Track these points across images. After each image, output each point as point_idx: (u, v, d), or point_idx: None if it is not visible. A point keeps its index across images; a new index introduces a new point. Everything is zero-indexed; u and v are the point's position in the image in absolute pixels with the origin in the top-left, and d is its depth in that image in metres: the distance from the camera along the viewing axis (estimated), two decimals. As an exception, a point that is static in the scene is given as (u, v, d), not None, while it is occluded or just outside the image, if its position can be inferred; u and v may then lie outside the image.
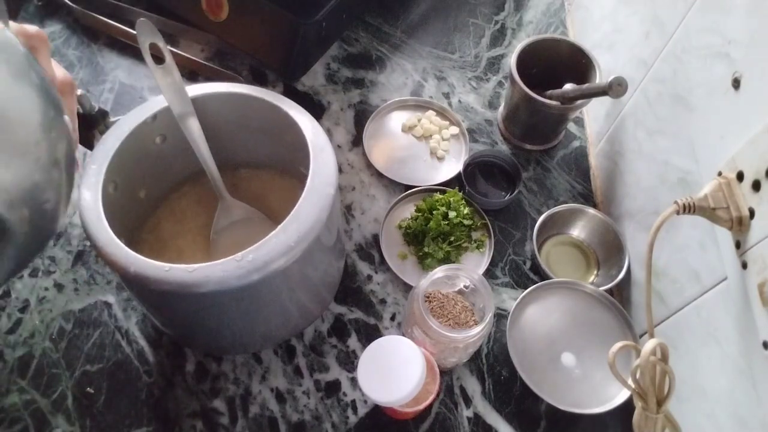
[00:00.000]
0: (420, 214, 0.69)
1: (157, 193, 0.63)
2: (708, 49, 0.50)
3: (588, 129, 0.80)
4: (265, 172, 0.67)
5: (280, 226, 0.48)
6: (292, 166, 0.63)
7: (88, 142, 0.56)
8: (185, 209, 0.64)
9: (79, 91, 0.53)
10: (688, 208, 0.44)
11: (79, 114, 0.54)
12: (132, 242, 0.59)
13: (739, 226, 0.41)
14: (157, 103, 0.56)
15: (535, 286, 0.63)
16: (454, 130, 0.78)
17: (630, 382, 0.46)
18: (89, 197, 0.49)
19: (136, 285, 0.48)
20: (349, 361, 0.62)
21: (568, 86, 0.69)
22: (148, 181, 0.61)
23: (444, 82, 0.83)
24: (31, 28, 0.46)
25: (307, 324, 0.63)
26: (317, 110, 0.79)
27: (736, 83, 0.45)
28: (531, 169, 0.76)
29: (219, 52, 0.83)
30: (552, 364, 0.60)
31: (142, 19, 0.52)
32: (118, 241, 0.47)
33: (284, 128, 0.56)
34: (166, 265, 0.45)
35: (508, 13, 0.91)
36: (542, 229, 0.68)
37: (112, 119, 0.56)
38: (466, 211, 0.69)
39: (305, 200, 0.49)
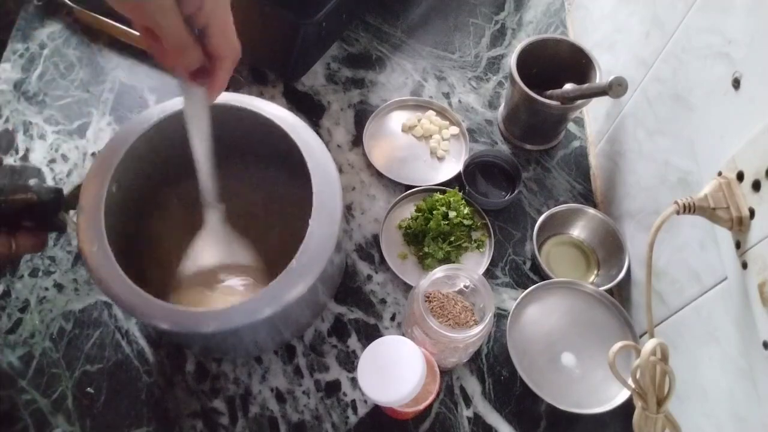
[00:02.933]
0: (420, 214, 0.69)
1: (153, 199, 0.63)
2: (708, 49, 0.50)
3: (588, 129, 0.80)
4: (262, 167, 0.66)
5: (294, 260, 0.48)
6: (292, 163, 0.62)
7: (54, 226, 0.51)
8: (183, 213, 0.63)
9: (31, 182, 0.49)
10: (688, 208, 0.44)
11: (34, 203, 0.48)
12: (132, 254, 0.57)
13: (739, 226, 0.41)
14: (151, 114, 0.55)
15: (535, 286, 0.63)
16: (454, 130, 0.78)
17: (630, 382, 0.46)
18: (91, 215, 0.49)
19: (147, 324, 0.48)
20: (349, 361, 0.62)
21: (568, 86, 0.69)
22: (145, 182, 0.60)
23: (444, 82, 0.83)
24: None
25: (306, 326, 0.63)
26: (317, 110, 0.79)
27: (736, 83, 0.45)
28: (531, 169, 0.76)
29: (219, 52, 0.83)
30: (552, 364, 0.60)
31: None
32: (131, 282, 0.47)
33: (279, 138, 0.56)
34: (181, 308, 0.46)
35: (508, 13, 0.91)
36: (542, 229, 0.68)
37: (69, 190, 0.52)
38: (466, 211, 0.69)
39: (314, 227, 0.50)
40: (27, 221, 0.49)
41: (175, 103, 0.56)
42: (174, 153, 0.59)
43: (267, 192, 0.65)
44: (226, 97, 0.57)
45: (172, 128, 0.55)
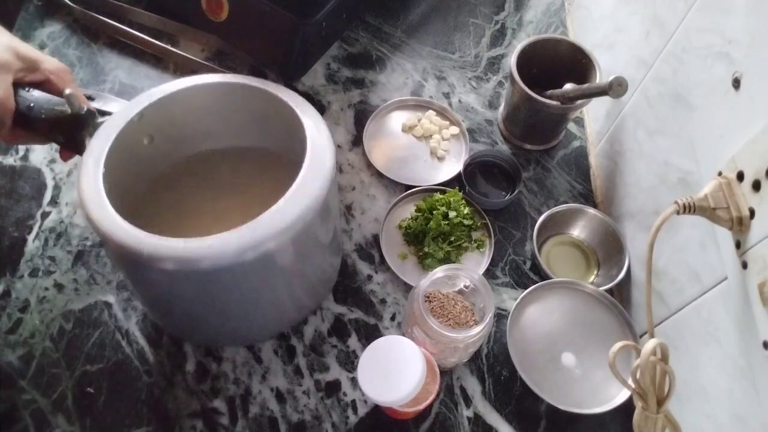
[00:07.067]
0: (420, 214, 0.69)
1: (149, 188, 0.62)
2: (708, 49, 0.50)
3: (588, 129, 0.80)
4: (258, 157, 0.66)
5: (281, 200, 0.48)
6: (288, 153, 0.62)
7: (77, 145, 0.55)
8: (178, 201, 0.63)
9: (67, 90, 0.53)
10: (688, 208, 0.44)
11: (66, 116, 0.54)
12: (134, 214, 0.58)
13: (739, 226, 0.41)
14: (142, 100, 0.56)
15: (535, 286, 0.63)
16: (454, 130, 0.78)
17: (630, 382, 0.46)
18: (89, 184, 0.49)
19: (144, 267, 0.48)
20: (349, 361, 0.62)
21: (568, 86, 0.69)
22: (139, 178, 0.60)
23: (444, 82, 0.83)
24: (54, 64, 0.57)
25: (301, 317, 0.63)
26: (317, 110, 0.79)
27: (736, 83, 0.45)
28: (531, 169, 0.76)
29: (219, 52, 0.83)
30: (552, 364, 0.60)
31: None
32: (129, 225, 0.47)
33: (277, 112, 0.56)
34: (177, 240, 0.46)
35: (508, 13, 0.91)
36: (542, 229, 0.68)
37: (100, 119, 0.55)
38: (466, 211, 0.69)
39: (305, 176, 0.50)
40: (59, 135, 0.55)
41: (172, 85, 0.57)
42: (185, 124, 0.60)
43: (262, 173, 0.65)
44: (220, 78, 0.58)
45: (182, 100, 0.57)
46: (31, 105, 0.54)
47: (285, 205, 0.48)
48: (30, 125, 0.55)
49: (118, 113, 0.55)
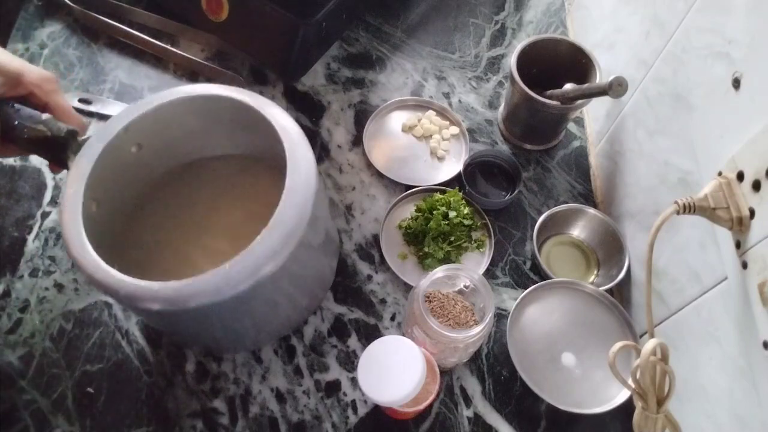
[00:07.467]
0: (420, 214, 0.69)
1: (138, 202, 0.61)
2: (708, 49, 0.50)
3: (588, 129, 0.80)
4: (243, 166, 0.65)
5: (264, 230, 0.47)
6: (272, 158, 0.60)
7: (62, 163, 0.54)
8: (167, 216, 0.63)
9: (43, 116, 0.52)
10: (688, 208, 0.44)
11: (47, 138, 0.53)
12: (118, 259, 0.55)
13: (739, 226, 0.41)
14: (128, 113, 0.55)
15: (535, 286, 0.63)
16: (454, 130, 0.78)
17: (630, 382, 0.46)
18: (70, 222, 0.48)
19: (128, 306, 0.48)
20: (349, 361, 0.62)
21: (568, 86, 0.69)
22: (127, 193, 0.59)
23: (444, 82, 0.83)
24: (36, 75, 0.54)
25: (301, 319, 0.63)
26: (317, 110, 0.79)
27: (736, 83, 0.45)
28: (531, 169, 0.76)
29: (219, 52, 0.83)
30: (552, 364, 0.60)
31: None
32: (105, 265, 0.46)
33: (257, 124, 0.55)
34: (155, 284, 0.45)
35: (508, 13, 0.91)
36: (542, 229, 0.68)
37: (82, 137, 0.54)
38: (466, 211, 0.69)
39: (286, 201, 0.48)
40: (44, 154, 0.55)
41: (155, 98, 0.56)
42: (157, 145, 0.59)
43: (248, 188, 0.65)
44: (202, 90, 0.56)
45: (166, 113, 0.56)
46: (16, 122, 0.53)
47: (267, 235, 0.47)
48: (17, 141, 0.54)
49: (101, 129, 0.53)
